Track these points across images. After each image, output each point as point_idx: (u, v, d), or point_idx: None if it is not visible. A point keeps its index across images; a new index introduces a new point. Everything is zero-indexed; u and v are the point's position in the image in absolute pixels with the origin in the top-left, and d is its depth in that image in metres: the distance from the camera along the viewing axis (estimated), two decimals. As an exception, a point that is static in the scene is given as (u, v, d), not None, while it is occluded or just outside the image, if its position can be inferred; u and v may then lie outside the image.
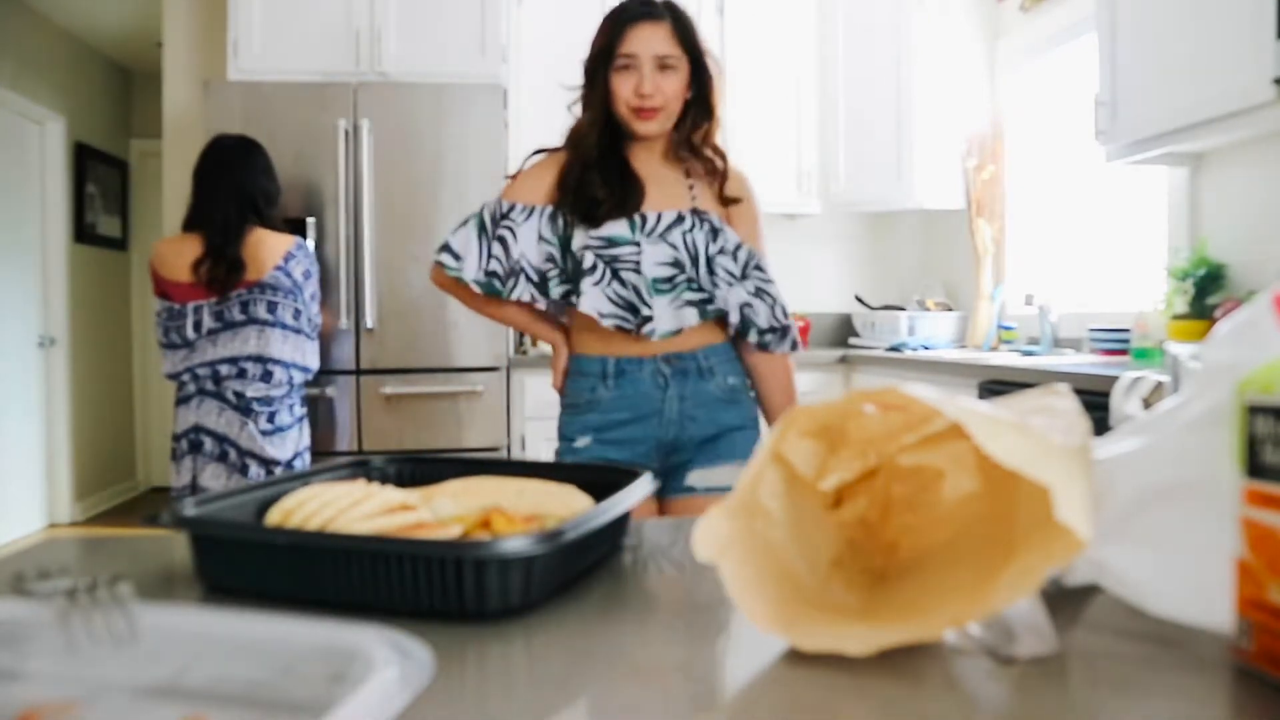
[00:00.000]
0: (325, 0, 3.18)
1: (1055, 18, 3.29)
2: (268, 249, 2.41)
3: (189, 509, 0.67)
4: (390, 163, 3.00)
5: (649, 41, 1.47)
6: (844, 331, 4.06)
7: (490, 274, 1.52)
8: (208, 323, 2.38)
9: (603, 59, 1.49)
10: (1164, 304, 2.60)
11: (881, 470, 0.65)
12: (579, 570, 0.67)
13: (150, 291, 2.53)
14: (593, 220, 1.48)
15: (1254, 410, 0.46)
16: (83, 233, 5.15)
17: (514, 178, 1.58)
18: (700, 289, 1.50)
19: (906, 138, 3.57)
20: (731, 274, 1.51)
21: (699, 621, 0.57)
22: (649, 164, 1.55)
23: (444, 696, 0.46)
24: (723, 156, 1.58)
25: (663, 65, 1.47)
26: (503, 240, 1.51)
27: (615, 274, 1.48)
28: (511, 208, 1.53)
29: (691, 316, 1.50)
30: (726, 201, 1.56)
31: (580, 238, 1.49)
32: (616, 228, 1.48)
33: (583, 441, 1.53)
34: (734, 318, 1.53)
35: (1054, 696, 0.47)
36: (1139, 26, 2.44)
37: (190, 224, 2.42)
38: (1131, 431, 0.58)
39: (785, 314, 1.56)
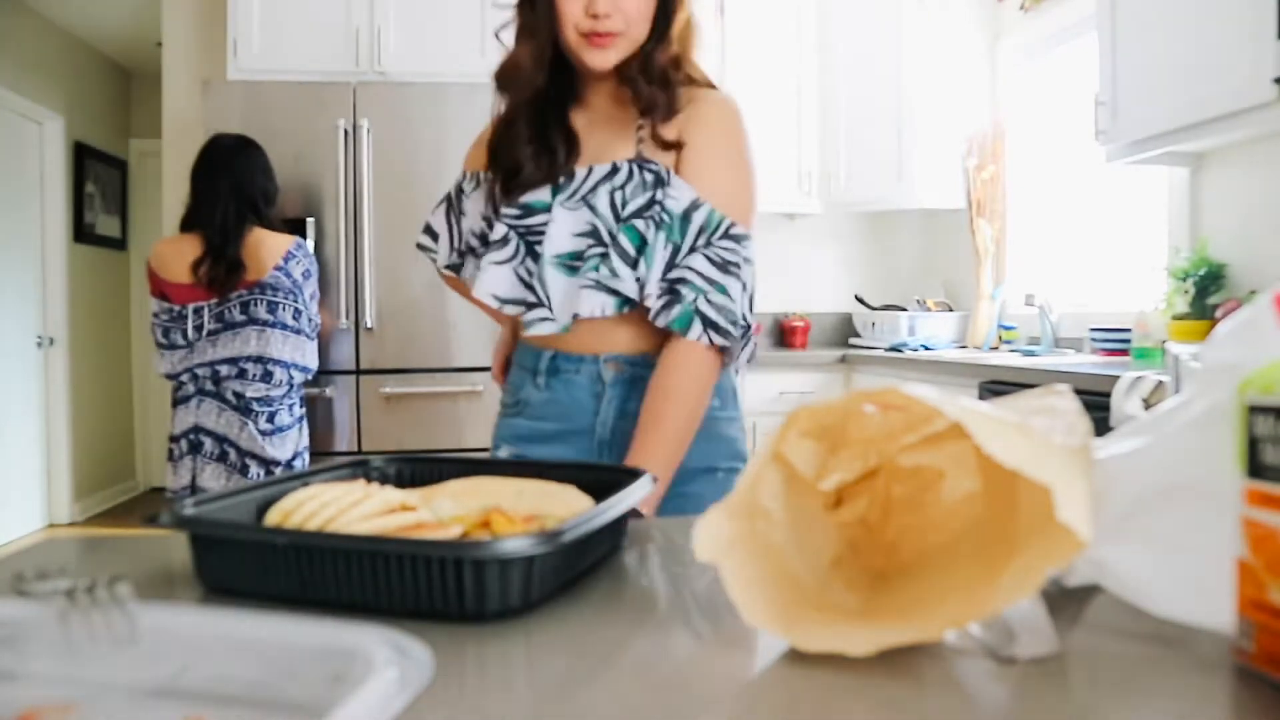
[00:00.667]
0: (324, 0, 3.18)
1: (1055, 17, 3.29)
2: (267, 249, 2.40)
3: (188, 509, 0.66)
4: (390, 162, 3.00)
5: None
6: (844, 331, 4.06)
7: (462, 254, 1.31)
8: (209, 324, 2.38)
9: None
10: (1164, 304, 2.60)
11: (882, 470, 0.65)
12: (579, 570, 0.67)
13: (149, 292, 2.53)
14: (508, 191, 1.20)
15: (1255, 410, 0.46)
16: (82, 232, 5.15)
17: (472, 145, 1.35)
18: (616, 265, 1.13)
19: (907, 137, 3.57)
20: (647, 246, 1.14)
21: (699, 621, 0.57)
22: (596, 104, 1.22)
23: (444, 697, 0.46)
24: (674, 83, 1.18)
25: None
26: (463, 214, 1.30)
27: (530, 248, 1.18)
28: (464, 176, 1.32)
29: (594, 303, 1.14)
30: (667, 145, 1.17)
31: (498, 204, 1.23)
32: (537, 193, 1.18)
33: (504, 452, 1.25)
34: (652, 300, 1.13)
35: (1054, 697, 0.47)
36: (1139, 26, 2.44)
37: (188, 224, 2.42)
38: (1132, 432, 0.58)
39: (748, 313, 1.16)
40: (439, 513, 0.71)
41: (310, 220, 2.94)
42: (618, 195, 1.15)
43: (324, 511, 0.66)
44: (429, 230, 1.35)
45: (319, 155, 2.97)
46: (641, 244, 1.14)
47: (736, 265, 1.14)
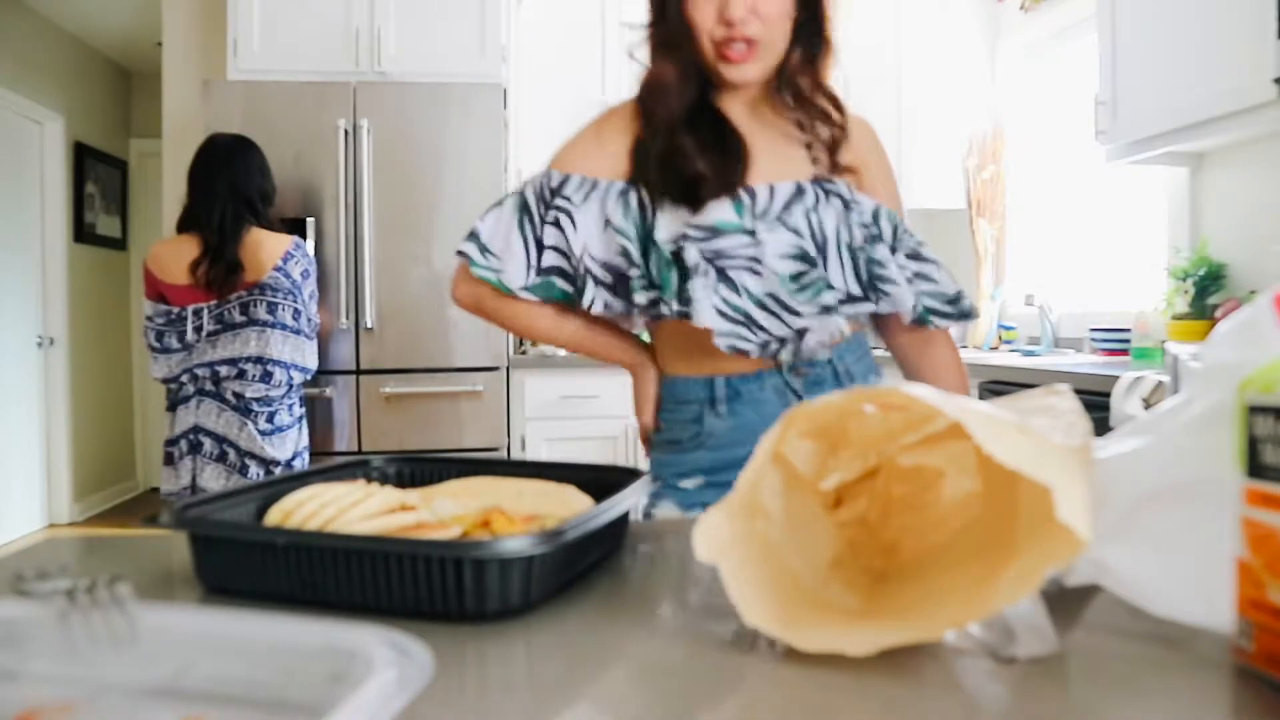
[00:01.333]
0: (325, 0, 3.18)
1: (1055, 17, 3.29)
2: (266, 250, 2.40)
3: (188, 509, 0.66)
4: (390, 162, 3.00)
5: None
6: (844, 331, 4.05)
7: (547, 272, 1.12)
8: (208, 325, 2.37)
9: None
10: (1164, 304, 2.60)
11: (882, 470, 0.65)
12: (579, 570, 0.67)
13: (145, 294, 2.51)
14: (694, 201, 1.08)
15: (1254, 410, 0.46)
16: (82, 233, 5.15)
17: (568, 145, 1.19)
18: (832, 286, 1.10)
19: (907, 137, 3.57)
20: (877, 262, 1.12)
21: (699, 621, 0.57)
22: (742, 117, 1.14)
23: (443, 697, 0.46)
24: (839, 105, 1.15)
25: None
26: (558, 226, 1.11)
27: (722, 274, 1.08)
28: (565, 181, 1.13)
29: (826, 329, 1.10)
30: (842, 170, 1.15)
31: (672, 225, 1.08)
32: (719, 210, 1.08)
33: (691, 483, 1.17)
34: (911, 313, 1.13)
35: (1054, 697, 0.47)
36: (1139, 26, 2.44)
37: (185, 225, 2.41)
38: (1132, 431, 0.58)
39: (954, 283, 1.18)
40: (439, 513, 0.71)
41: (310, 220, 2.94)
42: (813, 217, 1.10)
43: (324, 511, 0.66)
44: (475, 239, 1.17)
45: (319, 155, 2.97)
46: (854, 262, 1.12)
47: (924, 247, 1.17)
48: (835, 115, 1.14)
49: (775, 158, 1.13)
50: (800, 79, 1.11)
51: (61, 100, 4.93)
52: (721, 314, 1.07)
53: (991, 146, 3.50)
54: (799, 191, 1.11)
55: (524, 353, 3.41)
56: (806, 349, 1.11)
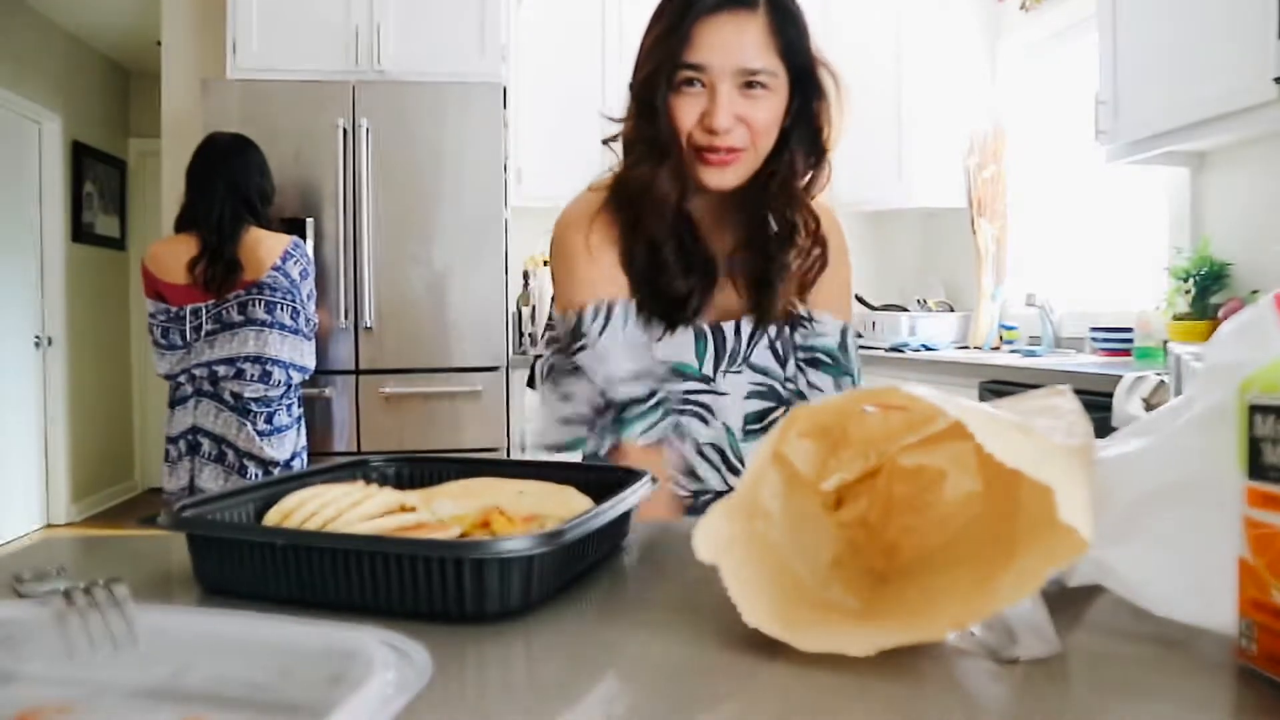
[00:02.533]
0: (324, -1, 3.18)
1: (1056, 17, 3.29)
2: (265, 249, 2.40)
3: (187, 510, 0.66)
4: (389, 162, 2.99)
5: (731, 47, 0.95)
6: (844, 331, 4.05)
7: (568, 422, 1.04)
8: (206, 325, 2.37)
9: (663, 68, 0.97)
10: (1165, 304, 2.60)
11: (882, 471, 0.64)
12: (579, 571, 0.67)
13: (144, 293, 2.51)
14: (672, 323, 1.03)
15: (1256, 410, 0.46)
16: (80, 232, 5.14)
17: (566, 276, 1.06)
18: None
19: (907, 137, 3.57)
20: (815, 388, 1.07)
21: (699, 622, 0.57)
22: (709, 217, 1.06)
23: (442, 699, 0.46)
24: (816, 227, 1.05)
25: (749, 83, 0.97)
26: (589, 371, 1.02)
27: (679, 414, 1.03)
28: (577, 318, 1.03)
29: None
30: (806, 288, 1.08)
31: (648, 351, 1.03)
32: (682, 350, 1.03)
33: None
34: None
35: (1056, 698, 0.47)
36: (1140, 26, 2.44)
37: (183, 224, 2.41)
38: (1134, 432, 0.58)
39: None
40: (438, 513, 0.71)
41: (309, 220, 2.94)
42: (778, 346, 1.07)
43: (323, 512, 0.65)
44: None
45: (318, 155, 2.97)
46: (820, 389, 1.07)
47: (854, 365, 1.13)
48: (804, 240, 1.05)
49: (741, 268, 1.07)
50: (783, 192, 1.03)
51: (60, 99, 4.93)
52: (702, 456, 1.03)
53: (992, 146, 3.50)
54: (761, 327, 1.07)
55: (524, 353, 3.41)
56: None
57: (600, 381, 1.01)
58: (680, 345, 1.04)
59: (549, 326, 1.10)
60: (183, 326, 2.38)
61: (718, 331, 1.05)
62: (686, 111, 0.98)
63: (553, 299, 1.10)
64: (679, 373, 1.03)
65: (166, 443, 2.45)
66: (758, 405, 1.05)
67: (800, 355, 1.08)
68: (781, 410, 1.06)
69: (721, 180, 1.00)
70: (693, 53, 0.96)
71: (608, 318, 1.02)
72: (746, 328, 1.06)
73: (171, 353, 2.40)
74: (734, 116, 0.97)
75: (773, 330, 1.07)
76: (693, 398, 1.03)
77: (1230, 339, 0.54)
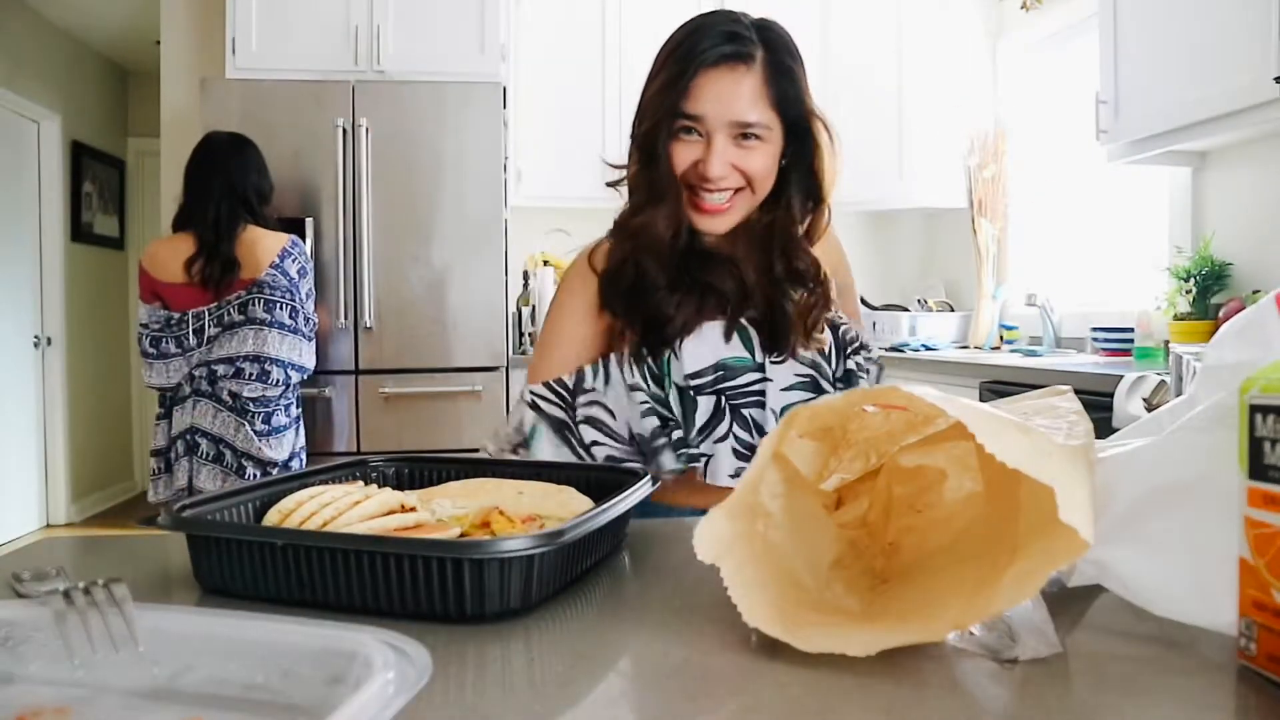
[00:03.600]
0: (324, -1, 3.17)
1: (1057, 16, 3.29)
2: (263, 248, 2.40)
3: (187, 510, 0.66)
4: (389, 161, 2.99)
5: (726, 100, 1.00)
6: (843, 331, 4.05)
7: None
8: (209, 329, 2.37)
9: (664, 120, 1.02)
10: (1166, 304, 2.60)
11: (883, 471, 0.64)
12: (579, 571, 0.66)
13: (139, 297, 2.49)
14: (653, 346, 1.06)
15: (1257, 410, 0.46)
16: (79, 232, 5.14)
17: (552, 342, 1.12)
18: None
19: (908, 136, 3.57)
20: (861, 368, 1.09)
21: (699, 622, 0.57)
22: (739, 253, 1.10)
23: (442, 699, 0.46)
24: (817, 272, 1.09)
25: (744, 134, 1.02)
26: (599, 420, 1.07)
27: (735, 411, 1.06)
28: (576, 381, 1.08)
29: None
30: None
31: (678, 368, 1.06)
32: (730, 346, 1.06)
33: None
34: None
35: (1056, 698, 0.47)
36: (1141, 25, 2.44)
37: (181, 223, 2.40)
38: (1134, 432, 0.58)
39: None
40: (438, 513, 0.71)
41: (309, 220, 2.94)
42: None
43: (323, 512, 0.65)
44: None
45: (317, 154, 2.96)
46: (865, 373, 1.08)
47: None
48: (809, 283, 1.08)
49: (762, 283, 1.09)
50: (782, 238, 1.07)
51: (59, 99, 4.93)
52: (736, 453, 1.04)
53: (993, 146, 3.50)
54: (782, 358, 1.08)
55: (523, 353, 3.41)
56: None
57: (621, 426, 1.06)
58: (731, 344, 1.06)
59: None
60: (178, 332, 2.37)
61: (763, 326, 1.07)
62: (684, 157, 1.03)
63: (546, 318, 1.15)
64: (734, 368, 1.05)
65: (152, 456, 2.42)
66: (798, 396, 1.05)
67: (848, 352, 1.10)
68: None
69: (714, 226, 1.05)
70: (691, 104, 1.01)
71: (607, 372, 1.07)
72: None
73: (162, 361, 2.38)
74: (728, 165, 1.02)
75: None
76: (753, 387, 1.05)
77: (1231, 339, 0.54)
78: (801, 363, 1.07)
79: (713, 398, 1.04)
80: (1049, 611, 0.52)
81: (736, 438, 1.04)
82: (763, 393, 1.05)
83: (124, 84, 5.78)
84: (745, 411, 1.05)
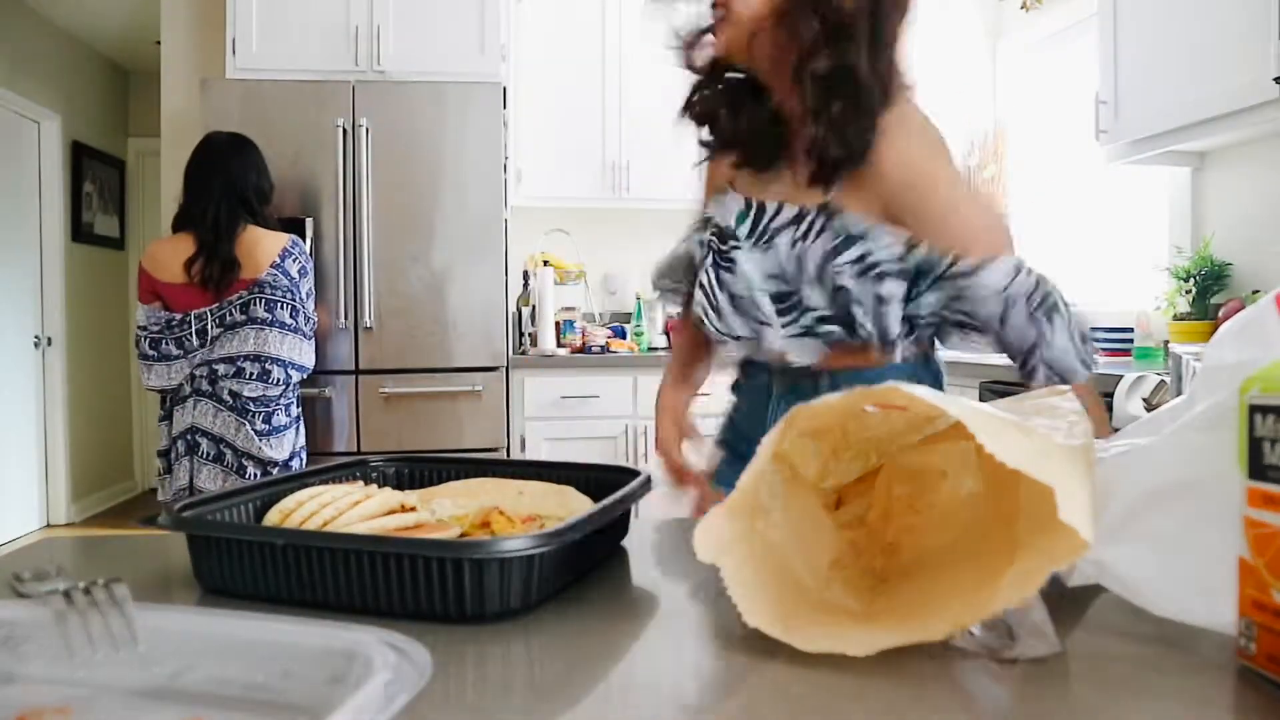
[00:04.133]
0: (324, -1, 3.17)
1: (1056, 16, 3.29)
2: (263, 248, 2.40)
3: (187, 510, 0.66)
4: (389, 161, 2.99)
5: None
6: (843, 331, 4.05)
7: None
8: (211, 330, 2.37)
9: None
10: (1166, 304, 2.60)
11: (883, 471, 0.64)
12: (579, 571, 0.66)
13: (139, 298, 2.48)
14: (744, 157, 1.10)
15: (1256, 410, 0.46)
16: (80, 232, 5.14)
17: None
18: (811, 308, 1.03)
19: (906, 137, 3.57)
20: (881, 299, 1.01)
21: (699, 622, 0.57)
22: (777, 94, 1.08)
23: (442, 699, 0.46)
24: (842, 100, 1.03)
25: None
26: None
27: (715, 264, 1.09)
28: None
29: (819, 346, 1.04)
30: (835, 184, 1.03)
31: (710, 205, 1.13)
32: (727, 212, 1.09)
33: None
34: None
35: (1056, 698, 0.47)
36: (1140, 26, 2.44)
37: (181, 223, 2.40)
38: (1134, 431, 0.58)
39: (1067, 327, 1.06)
40: (438, 513, 0.71)
41: (309, 220, 2.94)
42: (799, 246, 1.03)
43: (323, 512, 0.65)
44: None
45: (318, 154, 2.96)
46: (834, 293, 1.02)
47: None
48: (807, 116, 1.01)
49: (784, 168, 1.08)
50: (798, 69, 0.99)
51: (59, 99, 4.93)
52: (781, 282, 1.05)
53: (993, 146, 3.50)
54: (798, 218, 1.04)
55: (524, 353, 3.41)
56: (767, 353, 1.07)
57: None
58: (728, 210, 1.09)
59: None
60: (179, 333, 2.37)
61: (761, 209, 1.07)
62: None
63: None
64: (723, 234, 1.09)
65: (158, 456, 2.43)
66: (773, 286, 1.05)
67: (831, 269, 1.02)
68: (795, 298, 1.04)
69: (714, 48, 1.06)
70: None
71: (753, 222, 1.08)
72: (786, 214, 1.05)
73: (163, 363, 2.38)
74: None
75: (802, 226, 1.03)
76: (728, 253, 1.07)
77: (1230, 339, 0.54)
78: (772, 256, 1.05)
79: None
80: (1049, 611, 0.52)
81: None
82: (738, 261, 1.06)
83: (124, 84, 5.78)
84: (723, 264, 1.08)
